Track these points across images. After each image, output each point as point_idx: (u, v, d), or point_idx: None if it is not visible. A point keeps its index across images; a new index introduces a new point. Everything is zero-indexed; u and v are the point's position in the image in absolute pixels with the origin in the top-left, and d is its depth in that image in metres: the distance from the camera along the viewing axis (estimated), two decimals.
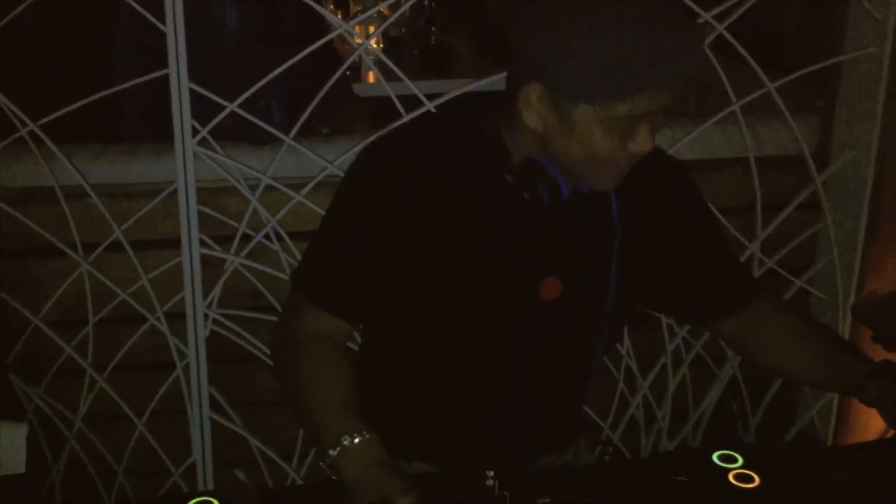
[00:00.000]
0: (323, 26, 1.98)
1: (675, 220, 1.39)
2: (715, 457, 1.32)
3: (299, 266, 1.41)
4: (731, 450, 1.34)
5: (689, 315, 1.60)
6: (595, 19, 1.10)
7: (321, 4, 1.82)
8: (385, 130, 1.81)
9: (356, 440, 1.18)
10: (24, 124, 1.80)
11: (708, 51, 1.87)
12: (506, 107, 1.24)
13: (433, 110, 1.86)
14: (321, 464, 1.20)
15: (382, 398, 1.42)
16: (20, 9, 1.71)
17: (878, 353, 1.69)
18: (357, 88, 2.56)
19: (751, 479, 1.27)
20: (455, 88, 1.90)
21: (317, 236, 1.39)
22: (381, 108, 2.39)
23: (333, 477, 1.19)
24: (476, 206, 1.28)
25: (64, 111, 1.79)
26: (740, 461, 1.31)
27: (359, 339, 1.60)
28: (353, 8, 3.48)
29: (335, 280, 1.34)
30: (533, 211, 1.25)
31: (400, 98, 1.86)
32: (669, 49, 1.10)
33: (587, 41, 1.10)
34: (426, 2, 3.33)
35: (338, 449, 1.18)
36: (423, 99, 1.85)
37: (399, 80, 1.84)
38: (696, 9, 1.84)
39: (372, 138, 1.72)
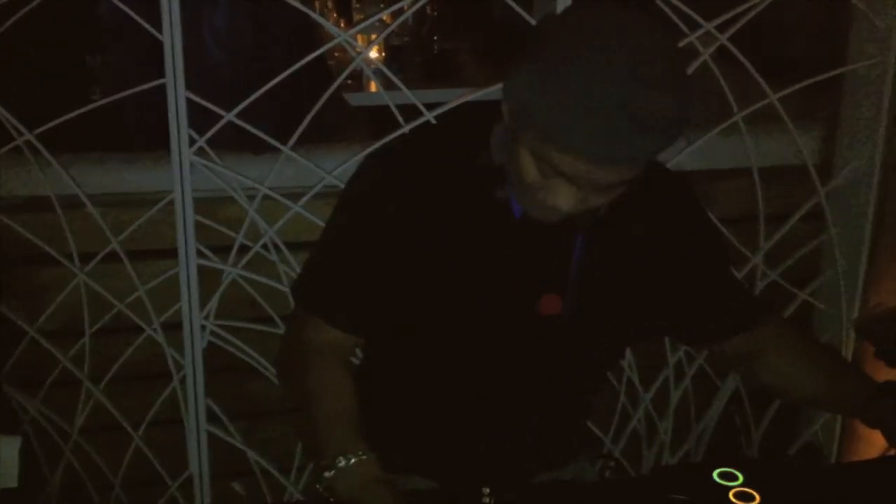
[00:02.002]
0: (315, 35, 1.96)
1: (677, 240, 1.36)
2: (715, 474, 1.30)
3: (299, 277, 1.42)
4: (732, 465, 1.32)
5: (688, 336, 1.55)
6: (572, 64, 1.04)
7: (323, 13, 1.81)
8: (383, 141, 1.80)
9: (352, 461, 1.17)
10: (20, 133, 1.78)
11: (710, 61, 1.86)
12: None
13: (433, 121, 1.84)
14: (318, 487, 1.19)
15: (382, 411, 1.41)
16: (20, 14, 1.70)
17: (881, 369, 1.67)
18: (350, 98, 2.54)
19: (752, 498, 1.26)
20: (454, 99, 1.89)
21: (316, 247, 1.39)
22: (380, 117, 2.38)
23: (331, 500, 1.17)
24: (473, 223, 1.26)
25: (60, 120, 1.78)
26: (741, 479, 1.29)
27: (360, 353, 1.58)
28: (357, 16, 3.46)
29: (333, 292, 1.34)
30: (531, 229, 1.23)
31: (400, 108, 1.85)
32: (616, 127, 1.03)
33: (551, 83, 1.05)
34: (429, 10, 3.31)
35: (332, 471, 1.17)
36: (423, 108, 1.83)
37: (399, 89, 1.83)
38: (698, 18, 1.82)
39: (370, 150, 1.72)
